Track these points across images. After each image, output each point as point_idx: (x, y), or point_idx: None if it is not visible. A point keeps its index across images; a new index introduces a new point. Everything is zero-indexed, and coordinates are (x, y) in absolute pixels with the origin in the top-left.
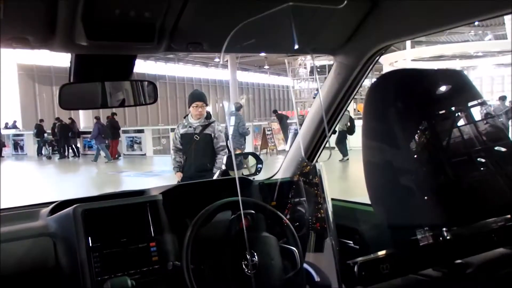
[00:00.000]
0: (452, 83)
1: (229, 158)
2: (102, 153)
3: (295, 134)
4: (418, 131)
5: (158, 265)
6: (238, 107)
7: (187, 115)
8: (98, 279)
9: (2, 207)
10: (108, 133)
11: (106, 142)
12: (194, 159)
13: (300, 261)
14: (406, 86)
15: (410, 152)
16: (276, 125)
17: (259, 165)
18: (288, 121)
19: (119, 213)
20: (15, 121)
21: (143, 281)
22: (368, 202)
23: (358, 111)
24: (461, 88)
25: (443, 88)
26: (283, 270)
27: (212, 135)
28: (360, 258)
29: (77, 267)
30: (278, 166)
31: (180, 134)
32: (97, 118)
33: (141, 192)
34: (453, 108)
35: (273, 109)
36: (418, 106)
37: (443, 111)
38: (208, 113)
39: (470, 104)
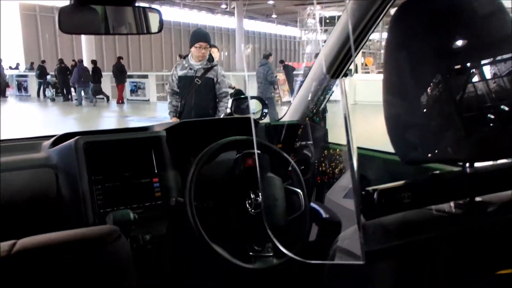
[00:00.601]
0: (492, 12)
1: (236, 100)
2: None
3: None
4: (448, 65)
5: (160, 201)
6: (267, 55)
7: (186, 55)
8: (101, 211)
9: (2, 138)
10: (89, 77)
11: (90, 85)
12: (194, 105)
13: (304, 203)
14: (434, 13)
15: (436, 88)
16: (282, 76)
17: (265, 110)
18: (295, 72)
19: (122, 147)
20: (18, 64)
21: (146, 216)
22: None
23: (366, 65)
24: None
25: (481, 18)
26: (287, 211)
27: (215, 79)
28: (380, 186)
29: (79, 199)
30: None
31: (178, 76)
32: (79, 61)
33: (144, 129)
34: (493, 40)
35: (280, 59)
36: (447, 37)
37: (481, 44)
38: (210, 55)
39: None
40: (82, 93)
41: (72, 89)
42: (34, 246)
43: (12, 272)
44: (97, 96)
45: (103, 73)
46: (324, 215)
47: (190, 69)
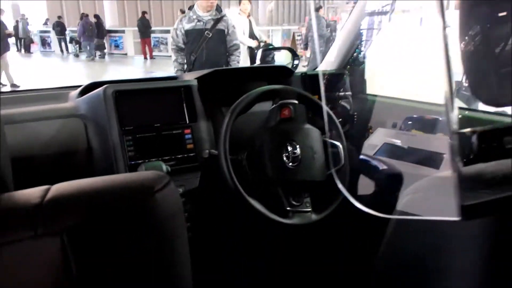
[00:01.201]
0: None
1: (265, 51)
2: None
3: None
4: None
5: (193, 153)
6: (318, 8)
7: (191, 7)
8: (132, 163)
9: (29, 88)
10: (94, 32)
11: (94, 40)
12: (206, 60)
13: (344, 157)
14: None
15: None
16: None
17: (296, 61)
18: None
19: (152, 96)
20: (47, 19)
21: (178, 168)
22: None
23: None
24: None
25: None
26: (325, 165)
27: (226, 31)
28: (480, 128)
29: (110, 151)
30: None
31: (184, 30)
32: (84, 15)
33: (174, 78)
34: None
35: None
36: None
37: None
38: (218, 5)
39: None
40: (88, 47)
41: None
42: (68, 191)
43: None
44: (97, 52)
45: (125, 29)
46: (381, 167)
47: (199, 21)
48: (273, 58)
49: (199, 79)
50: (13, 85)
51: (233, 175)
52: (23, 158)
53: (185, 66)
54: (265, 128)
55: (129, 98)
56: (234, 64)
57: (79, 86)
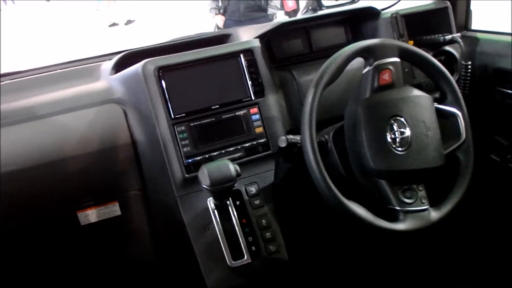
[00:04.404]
0: None
1: None
2: None
3: None
4: None
5: (264, 138)
6: None
7: None
8: (189, 162)
9: (53, 63)
10: None
11: None
12: None
13: (465, 129)
14: None
15: None
16: None
17: None
18: None
19: (204, 69)
20: None
21: (247, 162)
22: None
23: None
24: None
25: None
26: (442, 143)
27: None
28: None
29: (158, 145)
30: None
31: None
32: None
33: (223, 37)
34: None
35: None
36: None
37: None
38: None
39: None
40: None
41: None
42: None
43: None
44: None
45: None
46: None
47: None
48: None
49: (262, 37)
50: (128, 21)
51: (322, 170)
52: (52, 163)
53: (220, 3)
54: (357, 100)
55: (175, 74)
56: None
57: (111, 54)
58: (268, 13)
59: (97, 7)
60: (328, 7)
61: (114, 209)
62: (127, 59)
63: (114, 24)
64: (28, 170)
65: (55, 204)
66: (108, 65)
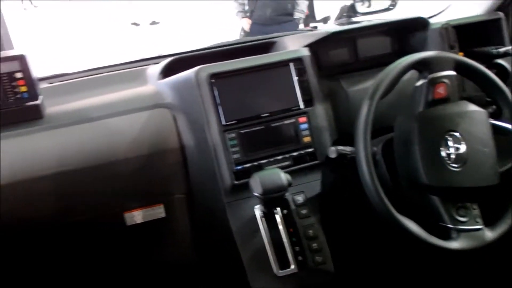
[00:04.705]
0: None
1: None
2: None
3: None
4: None
5: (311, 148)
6: None
7: None
8: (238, 169)
9: (98, 66)
10: None
11: None
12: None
13: None
14: None
15: None
16: None
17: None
18: None
19: (255, 77)
20: None
21: (294, 171)
22: None
23: None
24: None
25: None
26: (497, 162)
27: None
28: None
29: (208, 151)
30: None
31: None
32: None
33: (268, 44)
34: None
35: None
36: None
37: None
38: None
39: None
40: None
41: None
42: None
43: None
44: None
45: None
46: None
47: None
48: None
49: (312, 46)
50: (153, 22)
51: (376, 184)
52: (103, 165)
53: (246, 7)
54: (410, 113)
55: (227, 81)
56: (301, 4)
57: (156, 58)
58: (295, 17)
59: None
60: (363, 13)
61: (159, 211)
62: (174, 64)
63: (135, 24)
64: (80, 171)
65: (104, 204)
66: (155, 69)
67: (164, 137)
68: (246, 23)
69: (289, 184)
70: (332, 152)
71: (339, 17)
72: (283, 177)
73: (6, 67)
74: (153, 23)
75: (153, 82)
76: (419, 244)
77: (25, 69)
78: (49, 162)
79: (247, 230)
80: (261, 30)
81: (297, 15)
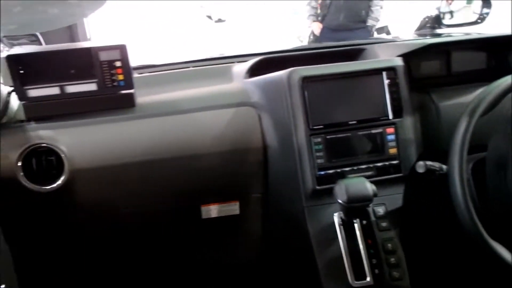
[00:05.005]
0: None
1: None
2: None
3: None
4: None
5: (396, 160)
6: None
7: None
8: (321, 174)
9: (185, 60)
10: None
11: None
12: (345, 4)
13: None
14: None
15: None
16: None
17: (486, 10)
18: None
19: (345, 83)
20: None
21: (377, 181)
22: None
23: None
24: None
25: None
26: None
27: None
28: None
29: (292, 153)
30: None
31: None
32: None
33: (358, 51)
34: None
35: None
36: None
37: None
38: None
39: None
40: None
41: None
42: None
43: None
44: None
45: None
46: None
47: None
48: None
49: (408, 55)
50: (219, 20)
51: (471, 209)
52: (187, 157)
53: (318, 11)
54: (508, 134)
55: (317, 85)
56: (376, 11)
57: (242, 56)
58: (368, 24)
59: (201, 4)
60: (448, 26)
61: (234, 208)
62: (261, 65)
63: (220, 20)
64: (165, 161)
65: (184, 195)
66: (241, 67)
67: (248, 135)
68: (317, 27)
69: (375, 195)
70: (420, 166)
71: (420, 27)
72: (369, 187)
73: (107, 55)
74: (219, 20)
75: (239, 80)
76: (509, 272)
77: (124, 58)
78: (137, 150)
79: (325, 236)
80: (332, 35)
81: (370, 22)
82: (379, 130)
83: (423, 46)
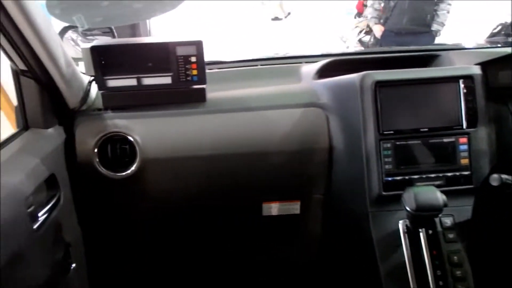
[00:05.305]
0: None
1: None
2: None
3: None
4: None
5: (467, 171)
6: None
7: None
8: (388, 180)
9: (252, 58)
10: None
11: None
12: (409, 7)
13: None
14: None
15: None
16: None
17: None
18: None
19: (419, 89)
20: None
21: (446, 192)
22: None
23: None
24: None
25: None
26: None
27: None
28: None
29: (359, 157)
30: None
31: None
32: None
33: (431, 57)
34: None
35: None
36: None
37: None
38: None
39: None
40: None
41: None
42: None
43: None
44: None
45: None
46: None
47: None
48: None
49: (488, 64)
50: (275, 18)
51: None
52: (253, 154)
53: (381, 13)
54: None
55: (390, 90)
56: (442, 15)
57: (309, 57)
58: (432, 29)
59: (263, 1)
60: None
61: (294, 207)
62: (330, 67)
63: (276, 19)
64: (232, 156)
65: (246, 191)
66: (310, 68)
67: (314, 136)
68: (379, 30)
69: (445, 205)
70: (495, 179)
71: (493, 35)
72: (440, 197)
73: (183, 51)
74: (276, 18)
75: (308, 81)
76: None
77: (199, 54)
78: (206, 144)
79: (389, 243)
80: (394, 39)
81: (435, 27)
82: (451, 139)
83: (506, 55)
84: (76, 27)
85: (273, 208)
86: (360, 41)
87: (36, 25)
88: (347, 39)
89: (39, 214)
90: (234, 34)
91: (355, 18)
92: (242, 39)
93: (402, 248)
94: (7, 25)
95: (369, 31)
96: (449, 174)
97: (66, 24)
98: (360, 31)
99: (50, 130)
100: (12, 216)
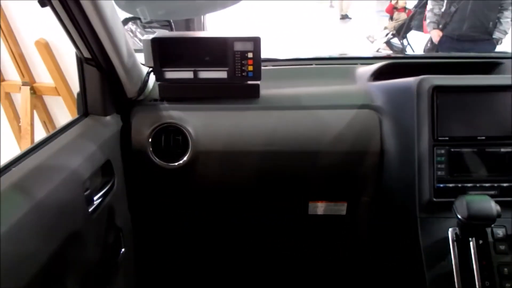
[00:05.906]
0: None
1: None
2: None
3: None
4: None
5: None
6: None
7: None
8: (440, 187)
9: (307, 57)
10: None
11: None
12: (470, 13)
13: None
14: None
15: None
16: None
17: None
18: None
19: (477, 96)
20: None
21: (500, 202)
22: None
23: None
24: None
25: None
26: None
27: None
28: None
29: (411, 162)
30: None
31: None
32: None
33: (493, 65)
34: None
35: None
36: None
37: None
38: None
39: None
40: None
41: None
42: None
43: None
44: None
45: None
46: None
47: None
48: None
49: None
50: (344, 16)
51: None
52: (306, 152)
53: (440, 18)
54: None
55: (447, 96)
56: (506, 22)
57: (365, 59)
58: (494, 37)
59: (331, 4)
60: None
61: (341, 208)
62: (386, 69)
63: (345, 17)
64: (283, 153)
65: (294, 189)
66: (365, 70)
67: (367, 138)
68: (436, 35)
69: (498, 216)
70: None
71: None
72: (494, 207)
73: (241, 46)
74: (345, 17)
75: (363, 83)
76: None
77: (256, 50)
78: (257, 139)
79: (437, 250)
80: (452, 44)
81: (497, 35)
82: (509, 149)
83: None
84: (137, 19)
85: (319, 208)
86: (387, 43)
87: (104, 14)
88: (373, 39)
89: (94, 198)
90: (299, 33)
91: (390, 20)
92: (307, 38)
93: (450, 256)
94: (77, 14)
95: (396, 34)
96: (505, 184)
97: (128, 16)
98: (387, 33)
99: (108, 117)
100: (70, 198)
